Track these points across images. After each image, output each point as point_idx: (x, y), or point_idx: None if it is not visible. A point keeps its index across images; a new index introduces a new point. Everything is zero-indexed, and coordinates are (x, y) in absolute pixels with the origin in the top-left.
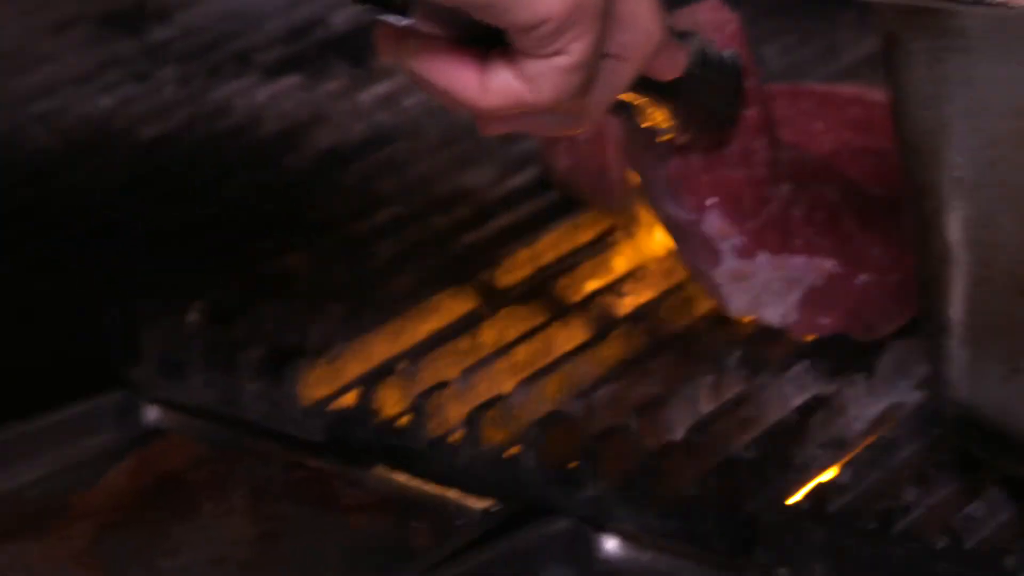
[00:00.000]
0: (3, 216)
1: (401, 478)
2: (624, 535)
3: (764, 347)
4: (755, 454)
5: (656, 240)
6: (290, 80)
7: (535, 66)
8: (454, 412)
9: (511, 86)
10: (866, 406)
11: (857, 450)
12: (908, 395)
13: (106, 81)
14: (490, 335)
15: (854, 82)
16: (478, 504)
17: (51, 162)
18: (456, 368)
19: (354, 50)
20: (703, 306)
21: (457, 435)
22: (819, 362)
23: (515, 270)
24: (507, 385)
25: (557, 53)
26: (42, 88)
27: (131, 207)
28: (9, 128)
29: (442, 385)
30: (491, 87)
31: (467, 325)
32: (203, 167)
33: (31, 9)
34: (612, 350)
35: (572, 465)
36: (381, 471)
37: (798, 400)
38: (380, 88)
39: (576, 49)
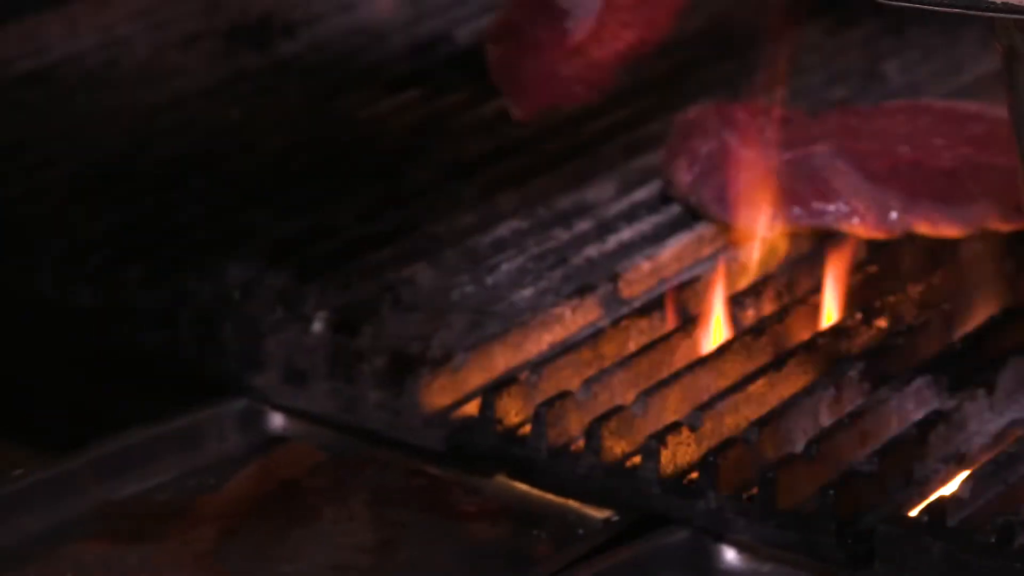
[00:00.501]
0: (131, 223)
1: (521, 487)
2: (742, 546)
3: (885, 360)
4: (875, 467)
5: (778, 253)
6: (413, 94)
7: None
8: (575, 422)
9: None
10: (987, 421)
11: (977, 465)
12: None
13: (234, 94)
14: (611, 346)
15: (976, 99)
16: (598, 514)
17: (178, 172)
18: (577, 379)
19: (477, 65)
20: (825, 319)
21: (578, 445)
22: (940, 377)
23: (637, 283)
24: (628, 396)
25: None
26: (171, 100)
27: (257, 217)
28: (139, 139)
29: (563, 395)
30: None
31: (588, 336)
32: (327, 178)
33: (161, 24)
34: (733, 362)
35: (692, 476)
36: (501, 480)
37: (919, 414)
38: (501, 102)
39: None
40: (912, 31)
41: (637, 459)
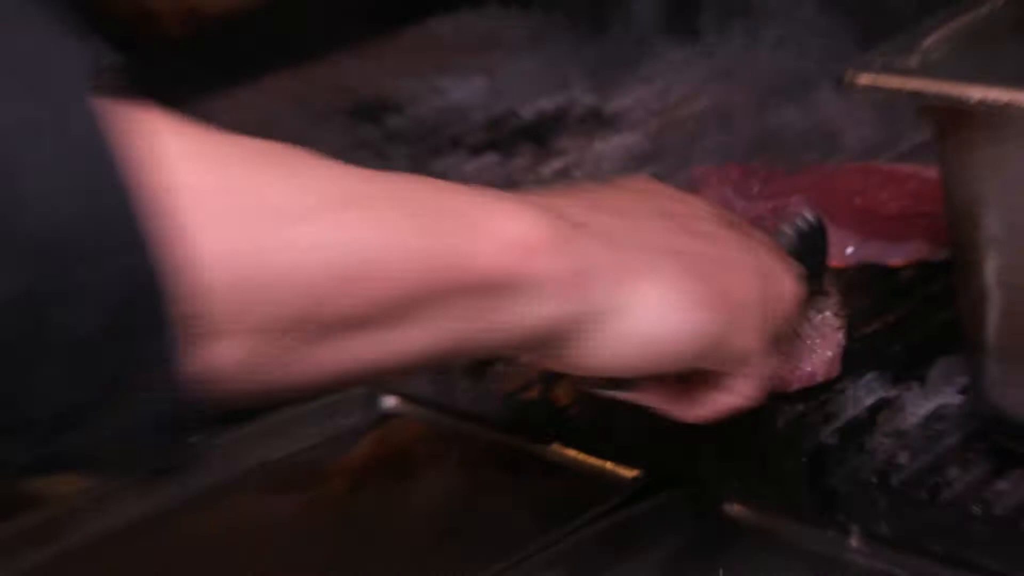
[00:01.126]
0: None
1: (570, 453)
2: (740, 499)
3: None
4: (837, 441)
5: None
6: (490, 157)
7: (738, 381)
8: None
9: (719, 400)
10: (920, 406)
11: (913, 439)
12: (952, 398)
13: (354, 158)
14: None
15: (913, 162)
16: (628, 473)
17: None
18: None
19: (537, 134)
20: None
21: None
22: (884, 372)
23: None
24: None
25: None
26: None
27: None
28: None
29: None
30: (700, 404)
31: None
32: None
33: (299, 98)
34: None
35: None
36: (556, 447)
37: (869, 401)
38: (556, 163)
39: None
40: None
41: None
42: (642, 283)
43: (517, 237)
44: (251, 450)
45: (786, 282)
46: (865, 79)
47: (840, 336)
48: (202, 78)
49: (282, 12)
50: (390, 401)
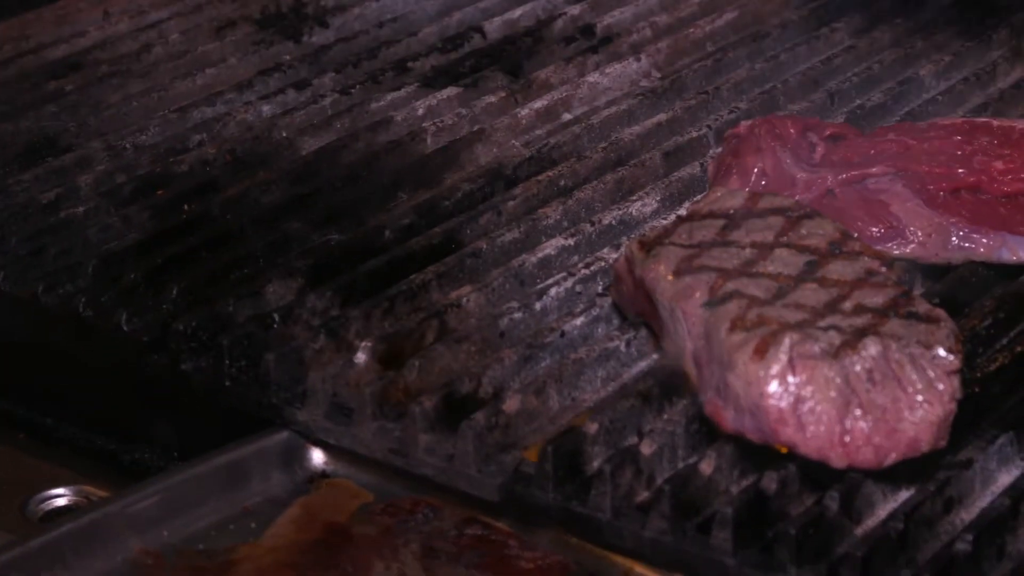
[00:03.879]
0: (167, 234)
1: (581, 544)
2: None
3: None
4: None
5: None
6: (448, 92)
7: None
8: (642, 479)
9: None
10: None
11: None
12: None
13: (267, 87)
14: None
15: (1015, 105)
16: None
17: (214, 177)
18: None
19: (509, 60)
20: None
21: (645, 504)
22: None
23: None
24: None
25: None
26: (204, 93)
27: (296, 227)
28: (173, 136)
29: (629, 449)
30: None
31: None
32: (365, 185)
33: (193, 9)
34: None
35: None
36: (559, 535)
37: (1006, 478)
38: (539, 103)
39: None
40: (941, 35)
41: (708, 524)
42: None
43: None
44: (124, 535)
45: None
46: None
47: (956, 383)
48: None
49: None
50: (320, 457)
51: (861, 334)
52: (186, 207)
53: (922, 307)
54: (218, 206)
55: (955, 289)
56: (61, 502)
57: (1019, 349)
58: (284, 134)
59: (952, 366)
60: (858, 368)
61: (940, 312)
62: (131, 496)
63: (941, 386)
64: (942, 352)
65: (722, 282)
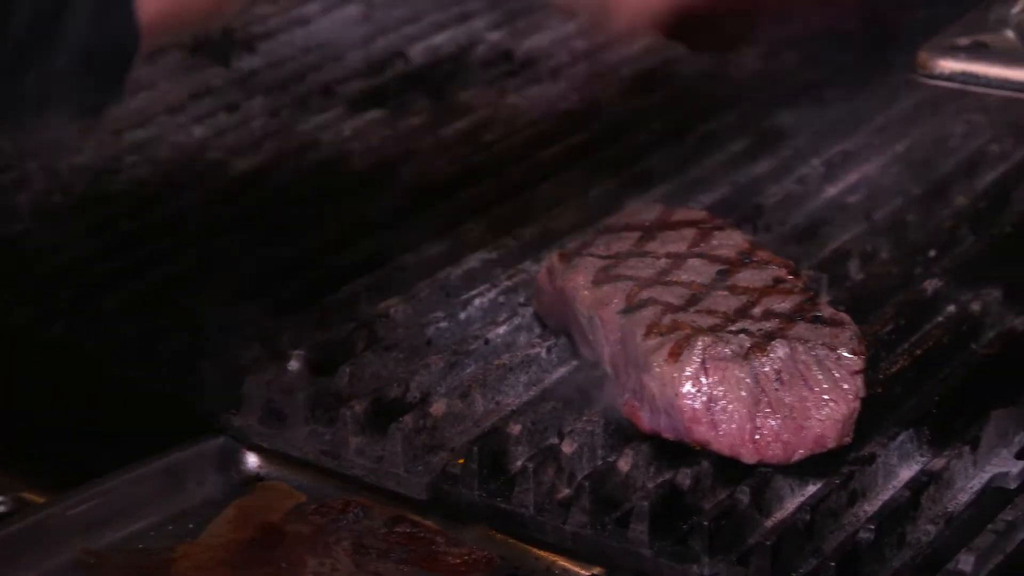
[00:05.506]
0: (104, 251)
1: (506, 540)
2: None
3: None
4: (872, 535)
5: None
6: (374, 114)
7: None
8: (563, 477)
9: None
10: (972, 478)
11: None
12: (1012, 465)
13: (199, 110)
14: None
15: None
16: (585, 571)
17: (149, 196)
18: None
19: (433, 83)
20: None
21: (566, 501)
22: (921, 430)
23: None
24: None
25: None
26: (138, 116)
27: (229, 244)
28: (108, 157)
29: (550, 448)
30: None
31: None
32: (296, 203)
33: None
34: None
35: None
36: (484, 531)
37: (907, 473)
38: (461, 124)
39: None
40: None
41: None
42: None
43: None
44: (68, 536)
45: None
46: None
47: (860, 382)
48: None
49: None
50: (255, 461)
51: (770, 337)
52: (121, 226)
53: (827, 312)
54: (154, 224)
55: (858, 296)
56: None
57: (919, 352)
58: (215, 155)
59: (856, 366)
60: (767, 369)
61: (844, 316)
62: (72, 499)
63: (846, 385)
64: (846, 353)
65: (638, 290)
